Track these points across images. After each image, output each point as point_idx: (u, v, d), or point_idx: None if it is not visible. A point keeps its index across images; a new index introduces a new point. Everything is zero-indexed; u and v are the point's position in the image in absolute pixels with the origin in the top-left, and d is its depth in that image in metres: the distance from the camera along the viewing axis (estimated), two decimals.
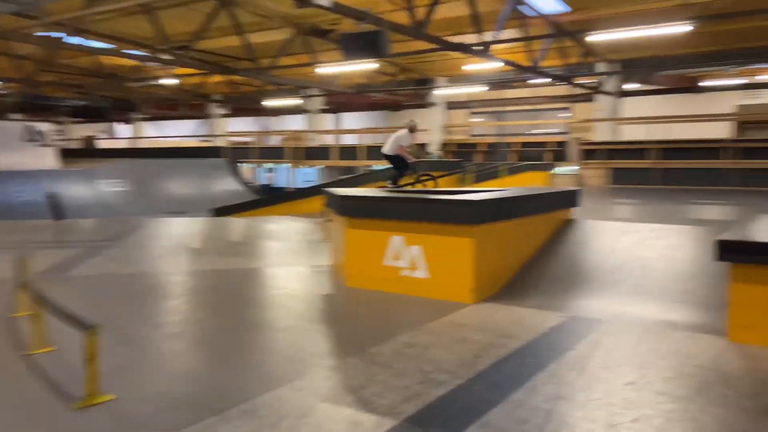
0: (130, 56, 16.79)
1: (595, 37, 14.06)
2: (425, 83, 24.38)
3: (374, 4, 12.56)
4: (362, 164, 23.32)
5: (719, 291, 4.64)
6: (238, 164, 25.12)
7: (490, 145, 25.47)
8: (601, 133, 20.01)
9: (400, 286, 5.73)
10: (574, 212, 7.50)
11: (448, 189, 10.17)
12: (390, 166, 10.47)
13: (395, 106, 30.82)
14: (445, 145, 25.93)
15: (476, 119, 29.21)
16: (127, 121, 33.99)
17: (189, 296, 6.01)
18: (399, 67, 22.33)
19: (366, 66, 16.41)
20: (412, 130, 10.07)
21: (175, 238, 9.67)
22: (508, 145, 24.57)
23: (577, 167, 18.45)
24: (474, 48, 13.21)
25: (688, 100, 23.46)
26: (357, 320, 5.06)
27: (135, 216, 13.94)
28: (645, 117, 20.42)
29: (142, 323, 4.79)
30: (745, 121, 16.81)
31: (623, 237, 6.60)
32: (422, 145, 25.35)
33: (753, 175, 14.88)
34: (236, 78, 22.87)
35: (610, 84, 20.53)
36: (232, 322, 4.83)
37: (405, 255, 5.76)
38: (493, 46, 13.26)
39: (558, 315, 4.98)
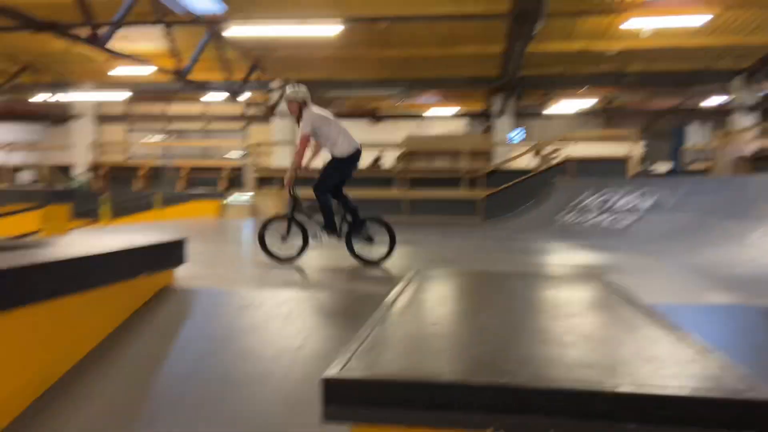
0: None
1: (233, 32, 12.85)
2: (60, 88, 18.96)
3: None
4: None
5: None
6: None
7: (154, 169, 21.55)
8: (280, 158, 18.14)
9: None
10: (177, 274, 4.73)
11: None
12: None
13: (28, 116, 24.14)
14: (95, 169, 21.08)
15: (159, 138, 24.59)
16: None
17: None
18: (18, 63, 16.91)
19: None
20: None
21: None
22: (177, 169, 21.12)
23: (250, 196, 16.13)
24: (85, 37, 9.91)
25: (370, 128, 23.54)
26: None
27: None
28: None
29: None
30: (412, 151, 16.71)
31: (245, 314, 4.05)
32: (64, 169, 20.34)
33: (420, 204, 14.45)
34: None
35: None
36: None
37: None
38: (142, 49, 11.26)
39: None
